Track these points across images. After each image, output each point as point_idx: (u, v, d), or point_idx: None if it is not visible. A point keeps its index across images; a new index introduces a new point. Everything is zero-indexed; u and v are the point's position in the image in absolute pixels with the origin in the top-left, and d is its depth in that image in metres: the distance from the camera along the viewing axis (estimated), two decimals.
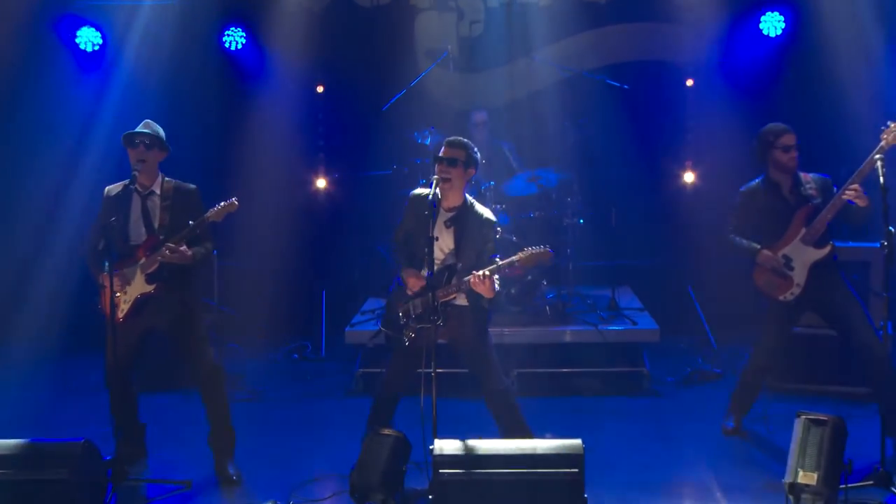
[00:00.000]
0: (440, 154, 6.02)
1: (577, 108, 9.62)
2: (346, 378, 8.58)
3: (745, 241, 6.70)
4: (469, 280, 5.78)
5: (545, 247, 5.82)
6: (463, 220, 6.00)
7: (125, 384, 6.26)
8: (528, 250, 5.81)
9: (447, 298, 5.90)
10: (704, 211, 9.74)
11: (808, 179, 6.64)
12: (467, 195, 6.10)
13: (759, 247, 6.63)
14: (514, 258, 5.78)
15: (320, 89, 10.48)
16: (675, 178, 10.30)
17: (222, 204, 6.09)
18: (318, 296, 10.04)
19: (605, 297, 9.12)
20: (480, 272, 5.74)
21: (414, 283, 6.02)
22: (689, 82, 10.08)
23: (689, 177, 10.23)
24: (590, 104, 9.60)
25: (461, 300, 6.01)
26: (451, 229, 5.99)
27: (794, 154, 6.56)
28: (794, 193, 6.61)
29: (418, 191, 6.21)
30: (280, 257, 10.18)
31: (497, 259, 5.85)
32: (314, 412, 7.92)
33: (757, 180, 6.75)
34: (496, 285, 5.80)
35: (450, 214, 6.02)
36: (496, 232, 6.08)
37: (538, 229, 8.87)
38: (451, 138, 6.11)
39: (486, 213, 6.07)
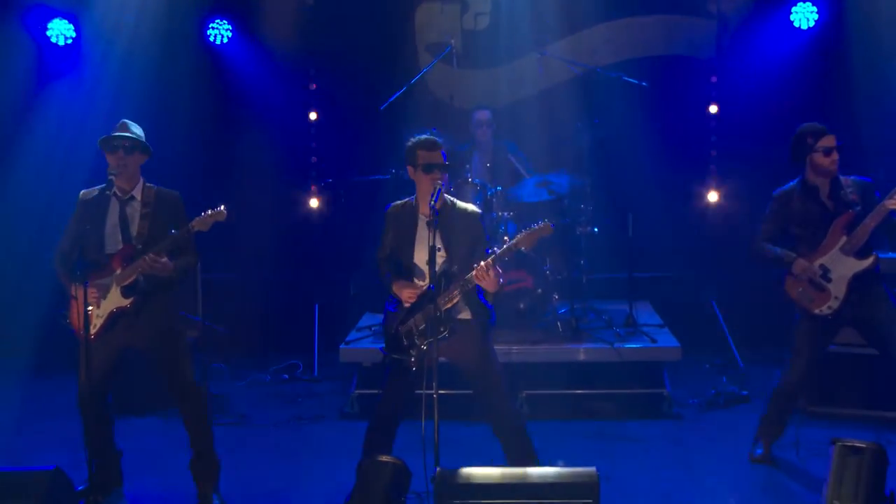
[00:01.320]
0: (435, 161, 5.98)
1: (591, 107, 9.58)
2: (341, 400, 8.54)
3: (778, 249, 6.65)
4: (471, 276, 5.75)
5: (545, 221, 5.79)
6: (446, 219, 5.98)
7: (99, 407, 6.21)
8: (527, 230, 5.78)
9: (450, 304, 5.86)
10: (730, 218, 9.76)
11: (849, 183, 6.60)
12: (446, 195, 6.10)
13: (794, 255, 6.59)
14: (513, 241, 5.76)
15: (313, 86, 10.48)
16: (697, 183, 10.30)
17: (209, 212, 6.05)
18: (310, 310, 10.02)
19: (622, 312, 9.09)
20: (483, 262, 5.72)
21: (409, 294, 5.98)
22: (713, 108, 10.13)
23: (712, 182, 10.21)
24: (605, 103, 9.58)
25: (464, 314, 5.98)
26: (436, 231, 5.93)
27: (836, 157, 6.52)
28: (834, 198, 6.57)
29: (397, 203, 6.21)
30: (269, 268, 10.20)
31: (495, 249, 5.83)
32: (306, 437, 7.87)
33: (792, 183, 6.70)
34: (500, 277, 5.77)
35: (433, 217, 5.99)
36: (483, 221, 6.08)
37: (548, 238, 8.78)
38: (430, 138, 6.06)
39: (469, 206, 6.09)
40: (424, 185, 5.98)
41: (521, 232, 5.79)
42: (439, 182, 5.91)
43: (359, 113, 10.26)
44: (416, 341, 5.94)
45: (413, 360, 5.95)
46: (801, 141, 6.59)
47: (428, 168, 5.95)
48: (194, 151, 10.03)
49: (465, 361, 6.03)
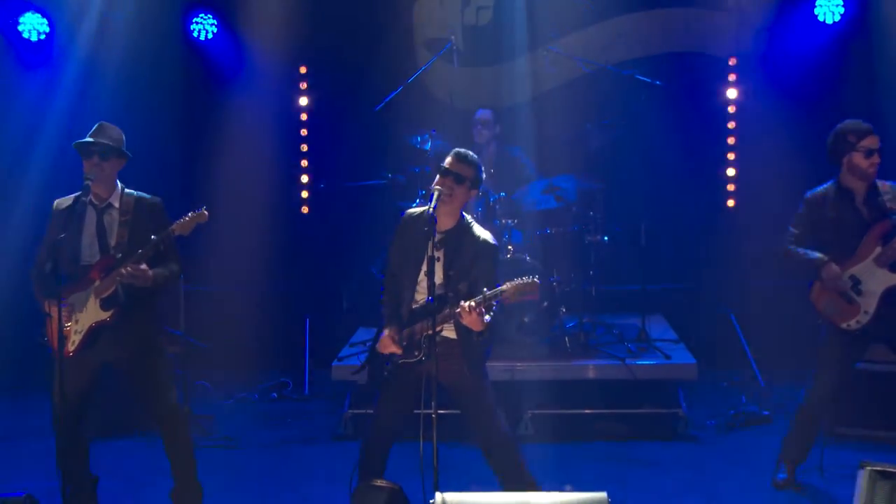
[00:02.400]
0: (446, 166, 5.98)
1: (602, 107, 9.61)
2: (333, 420, 8.52)
3: (807, 252, 6.59)
4: (458, 311, 5.74)
5: (533, 277, 5.74)
6: (455, 243, 5.96)
7: (75, 429, 6.20)
8: (514, 281, 5.74)
9: (430, 332, 5.83)
10: (749, 225, 9.73)
11: (887, 189, 6.55)
12: (465, 214, 6.07)
13: (825, 258, 6.54)
14: (501, 288, 5.73)
15: (304, 86, 10.49)
16: (715, 188, 10.30)
17: (190, 215, 6.04)
18: (300, 325, 10.02)
19: (634, 326, 9.09)
20: (467, 303, 5.70)
21: (386, 346, 6.01)
22: (731, 108, 10.11)
23: (732, 187, 10.22)
24: (616, 103, 9.61)
25: (449, 331, 5.97)
26: (441, 252, 5.94)
27: (877, 160, 6.47)
28: (870, 205, 6.52)
29: (413, 210, 6.20)
30: (257, 279, 10.18)
31: (485, 291, 5.78)
32: (296, 461, 7.86)
33: (826, 185, 6.64)
34: (485, 317, 5.73)
35: (442, 236, 5.97)
36: (496, 258, 6.02)
37: (556, 248, 8.84)
38: (461, 151, 6.05)
39: (485, 235, 6.00)
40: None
41: (508, 282, 5.73)
42: (438, 188, 5.90)
43: (353, 113, 10.27)
44: (395, 358, 5.98)
45: (387, 375, 5.99)
46: (841, 139, 6.54)
47: (441, 171, 5.99)
48: (176, 154, 10.06)
49: (451, 383, 6.00)
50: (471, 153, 6.05)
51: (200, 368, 9.01)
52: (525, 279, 5.68)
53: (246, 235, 9.97)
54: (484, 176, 6.11)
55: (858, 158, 6.46)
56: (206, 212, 6.06)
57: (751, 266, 9.55)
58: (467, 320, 5.69)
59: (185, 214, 6.04)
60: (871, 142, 6.46)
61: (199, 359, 9.00)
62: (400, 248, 6.11)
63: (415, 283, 5.96)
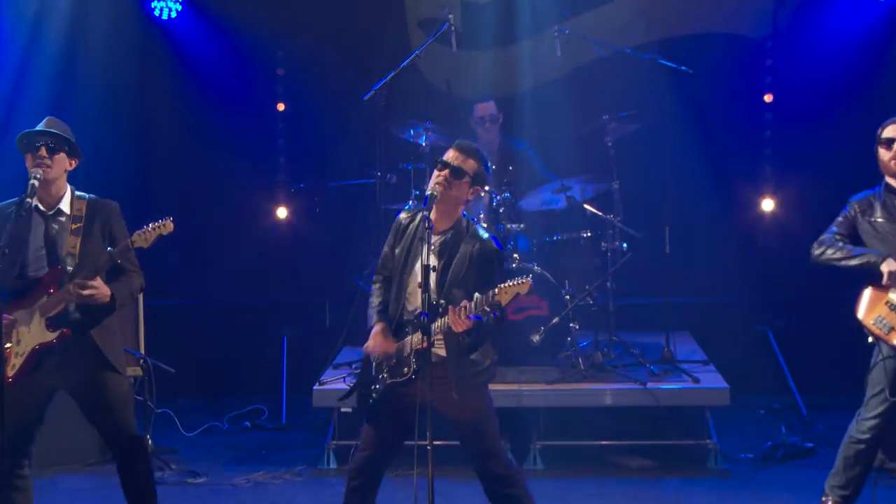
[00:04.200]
0: (445, 158, 5.97)
1: (620, 96, 9.62)
2: (315, 452, 8.54)
3: (856, 247, 6.51)
4: (444, 319, 5.73)
5: (525, 277, 5.71)
6: (453, 246, 5.95)
7: (16, 465, 6.16)
8: (505, 284, 5.71)
9: (422, 346, 5.82)
10: (788, 230, 9.74)
11: None
12: (466, 214, 6.06)
13: (885, 254, 6.41)
14: (492, 291, 5.70)
15: (280, 71, 10.48)
16: (749, 188, 10.32)
17: (152, 225, 5.99)
18: (277, 344, 10.01)
19: (658, 345, 9.08)
20: (457, 308, 5.68)
21: (375, 345, 5.99)
22: (768, 98, 10.12)
23: (767, 187, 10.20)
24: (636, 92, 9.63)
25: (439, 349, 5.91)
26: (437, 256, 5.91)
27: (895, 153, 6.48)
28: None
29: (404, 214, 6.20)
30: (227, 293, 10.18)
31: (476, 295, 5.75)
32: (272, 499, 7.83)
33: (875, 190, 6.63)
34: (470, 318, 5.70)
35: (438, 238, 5.96)
36: (499, 264, 6.01)
37: (568, 256, 8.87)
38: (464, 143, 6.05)
39: (487, 238, 5.99)
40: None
41: (500, 285, 5.69)
42: (433, 187, 5.88)
43: (337, 103, 10.29)
44: (383, 375, 5.97)
45: (374, 398, 5.99)
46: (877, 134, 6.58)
47: (438, 164, 5.98)
48: (134, 151, 10.03)
49: (447, 409, 5.98)
50: (475, 145, 6.05)
51: (163, 394, 8.95)
52: (515, 280, 5.64)
53: (214, 242, 10.02)
54: (490, 173, 6.09)
55: (881, 151, 6.48)
56: (171, 223, 6.00)
57: (791, 276, 9.52)
58: (451, 319, 5.67)
59: (147, 225, 6.00)
60: (889, 131, 6.45)
61: (162, 383, 8.94)
62: (392, 250, 6.11)
63: (405, 291, 5.94)
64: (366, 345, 6.04)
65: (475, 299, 5.65)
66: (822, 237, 6.62)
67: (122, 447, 6.20)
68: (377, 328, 6.03)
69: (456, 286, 5.86)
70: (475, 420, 5.99)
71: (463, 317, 5.64)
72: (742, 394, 8.66)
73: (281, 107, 10.64)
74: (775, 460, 8.31)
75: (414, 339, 5.83)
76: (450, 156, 5.97)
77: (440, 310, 5.82)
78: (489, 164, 6.09)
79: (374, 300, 6.17)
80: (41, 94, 9.40)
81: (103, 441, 6.28)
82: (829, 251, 6.53)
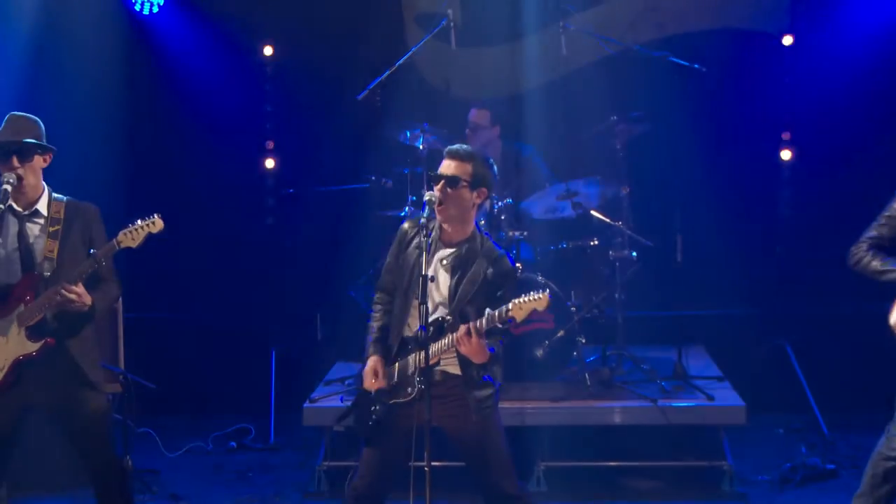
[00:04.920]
0: (440, 170, 5.98)
1: (629, 96, 9.62)
2: (305, 475, 8.54)
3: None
4: (456, 337, 5.72)
5: (542, 292, 5.71)
6: (467, 259, 5.96)
7: None
8: (520, 298, 5.72)
9: (431, 362, 5.83)
10: (809, 237, 9.71)
11: None
12: (478, 226, 6.07)
13: None
14: (506, 307, 5.71)
15: (269, 69, 10.49)
16: (766, 192, 10.30)
17: (140, 222, 6.01)
18: (265, 359, 10.00)
19: (669, 360, 9.09)
20: (467, 325, 5.68)
21: (367, 378, 5.98)
22: (786, 97, 10.09)
23: (786, 191, 10.18)
24: (646, 91, 9.62)
25: (451, 365, 5.96)
26: (449, 270, 5.93)
27: None
28: None
29: (410, 221, 6.19)
30: (212, 305, 10.16)
31: (488, 311, 5.75)
32: None
33: None
34: (488, 345, 5.71)
35: (451, 252, 5.97)
36: (515, 284, 6.03)
37: (574, 266, 8.87)
38: (452, 148, 6.03)
39: (500, 255, 6.00)
40: None
41: (514, 300, 5.69)
42: (430, 195, 5.89)
43: (328, 103, 10.26)
44: (382, 398, 5.95)
45: (375, 419, 5.96)
46: None
47: (432, 178, 5.98)
48: (113, 152, 10.00)
49: (454, 430, 6.01)
50: (465, 146, 6.04)
51: (144, 412, 8.93)
52: (533, 294, 5.64)
53: (199, 251, 9.99)
54: (494, 169, 6.06)
55: None
56: (160, 220, 6.02)
57: (811, 286, 9.51)
58: (466, 348, 5.68)
59: (133, 222, 6.02)
60: None
61: (143, 401, 8.92)
62: (396, 262, 6.11)
63: (409, 306, 5.93)
64: (364, 379, 6.02)
65: (487, 315, 5.66)
66: (860, 242, 6.55)
67: (99, 469, 6.20)
68: (371, 363, 6.01)
69: (468, 304, 5.88)
70: (488, 439, 5.99)
71: (476, 344, 5.64)
72: (759, 412, 8.62)
73: (269, 106, 10.62)
74: (795, 483, 8.29)
75: (420, 357, 5.82)
76: (442, 167, 5.99)
77: (451, 325, 5.82)
78: (486, 160, 6.05)
79: (374, 324, 6.16)
80: (17, 92, 9.39)
81: (80, 463, 6.25)
82: (870, 261, 6.47)
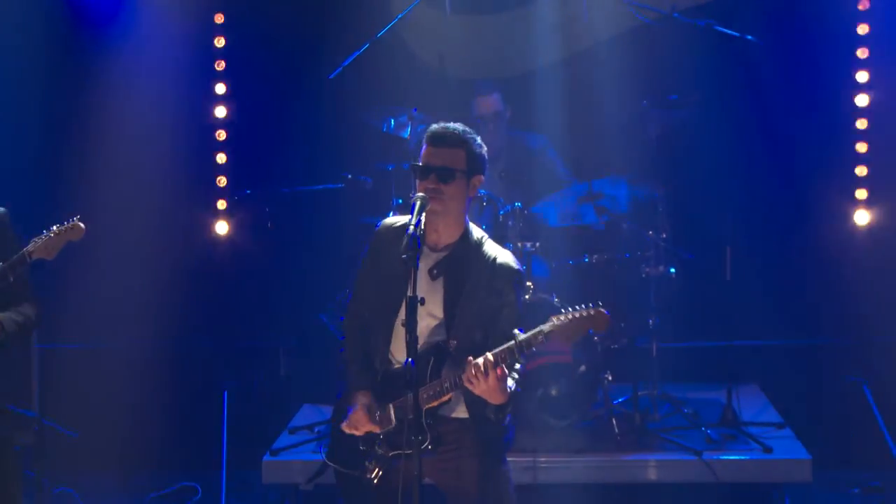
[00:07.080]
0: (423, 161, 5.88)
1: (666, 76, 9.67)
2: None
3: None
4: (464, 376, 5.62)
5: (598, 306, 5.64)
6: (459, 265, 5.87)
7: None
8: (566, 314, 5.62)
9: (436, 403, 5.76)
10: (889, 253, 9.67)
11: None
12: (471, 224, 5.98)
13: None
14: (542, 328, 5.61)
15: (220, 42, 10.46)
16: (838, 195, 10.25)
17: (56, 228, 6.05)
18: (215, 400, 9.91)
19: (717, 402, 9.08)
20: (480, 358, 5.58)
21: (359, 423, 5.89)
22: (862, 76, 10.08)
23: (863, 193, 10.14)
24: (687, 70, 9.64)
25: (458, 410, 5.89)
26: (440, 281, 5.83)
27: None
28: None
29: (391, 220, 6.13)
30: (149, 333, 10.12)
31: (517, 334, 5.67)
32: None
33: None
34: (509, 382, 5.63)
35: (439, 256, 5.89)
36: (521, 288, 5.95)
37: (598, 284, 8.86)
38: (436, 130, 5.92)
39: (502, 254, 5.93)
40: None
41: (558, 315, 5.61)
42: (420, 196, 5.78)
43: (294, 84, 10.32)
44: (378, 449, 5.85)
45: (372, 476, 5.87)
46: None
47: (416, 172, 5.88)
48: (31, 146, 10.06)
49: (454, 487, 5.98)
50: (452, 126, 5.93)
51: (62, 467, 8.93)
52: (583, 309, 5.53)
53: (133, 266, 9.96)
54: (484, 150, 5.96)
55: None
56: (80, 224, 6.06)
57: (893, 311, 9.46)
58: (480, 387, 5.56)
59: (49, 228, 6.01)
60: None
61: (62, 453, 8.91)
62: (373, 272, 6.02)
63: (392, 328, 5.85)
64: (343, 423, 5.92)
65: (517, 341, 5.54)
66: None
67: None
68: (361, 399, 5.91)
69: (466, 316, 5.80)
70: (489, 494, 5.93)
71: (494, 381, 5.53)
72: (829, 467, 8.64)
73: (220, 88, 10.57)
74: None
75: (423, 395, 5.70)
76: (428, 154, 5.87)
77: (451, 353, 5.74)
78: (475, 140, 5.92)
79: (349, 354, 6.08)
80: None
81: None
82: None
